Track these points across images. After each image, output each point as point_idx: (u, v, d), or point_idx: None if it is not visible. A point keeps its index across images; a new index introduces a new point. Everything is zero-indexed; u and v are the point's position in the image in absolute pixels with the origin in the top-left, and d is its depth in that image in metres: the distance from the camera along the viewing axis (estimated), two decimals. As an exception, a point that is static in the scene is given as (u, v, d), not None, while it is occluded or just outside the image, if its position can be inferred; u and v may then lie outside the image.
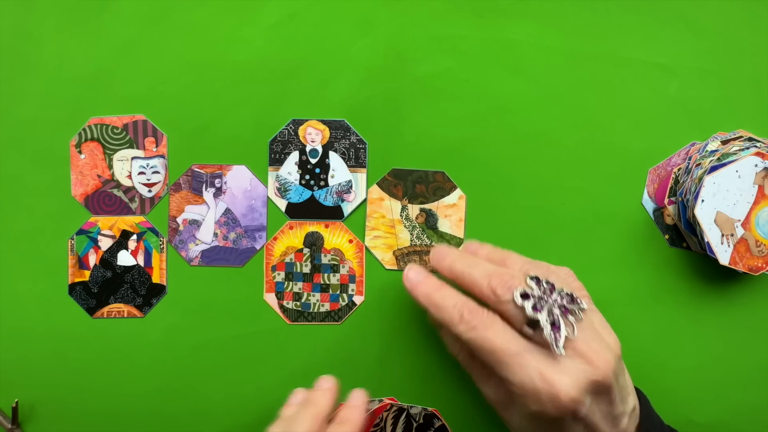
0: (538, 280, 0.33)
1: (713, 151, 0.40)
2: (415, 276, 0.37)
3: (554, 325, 0.32)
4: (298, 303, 0.44)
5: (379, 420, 0.41)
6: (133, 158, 0.43)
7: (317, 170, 0.43)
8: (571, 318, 0.32)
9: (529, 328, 0.32)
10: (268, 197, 0.43)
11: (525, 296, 0.32)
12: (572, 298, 0.33)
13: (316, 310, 0.44)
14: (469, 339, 0.33)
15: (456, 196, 0.43)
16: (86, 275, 0.43)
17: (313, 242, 0.44)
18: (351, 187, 0.43)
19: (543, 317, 0.32)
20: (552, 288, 0.33)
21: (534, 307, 0.32)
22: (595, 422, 0.32)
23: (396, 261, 0.43)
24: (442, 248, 0.38)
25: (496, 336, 0.32)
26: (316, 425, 0.35)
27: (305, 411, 0.36)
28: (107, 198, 0.43)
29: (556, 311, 0.32)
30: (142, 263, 0.43)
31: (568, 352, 0.32)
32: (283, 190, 0.43)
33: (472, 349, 0.34)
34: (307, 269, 0.44)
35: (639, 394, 0.37)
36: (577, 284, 0.38)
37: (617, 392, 0.33)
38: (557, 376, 0.31)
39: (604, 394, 0.32)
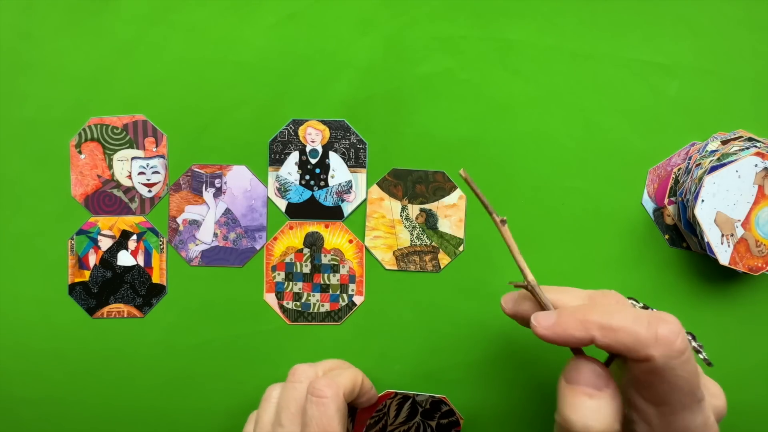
0: (638, 302, 0.33)
1: (713, 151, 0.40)
2: (546, 319, 0.30)
3: (699, 344, 0.32)
4: (298, 303, 0.44)
5: (382, 407, 0.40)
6: (133, 158, 0.43)
7: (317, 170, 0.43)
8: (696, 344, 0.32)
9: None
10: (268, 197, 0.43)
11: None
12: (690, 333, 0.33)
13: (316, 310, 0.44)
14: (669, 368, 0.27)
15: (456, 196, 0.43)
16: (86, 275, 0.43)
17: (313, 242, 0.44)
18: (351, 187, 0.43)
19: (691, 342, 0.31)
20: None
21: (688, 334, 0.31)
22: None
23: (396, 261, 0.43)
24: (546, 315, 0.30)
25: (696, 371, 0.28)
26: (353, 382, 0.36)
27: (349, 368, 0.38)
28: (107, 198, 0.43)
29: (693, 340, 0.32)
30: (142, 263, 0.43)
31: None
32: (283, 190, 0.43)
33: (653, 381, 0.27)
34: (307, 269, 0.44)
35: None
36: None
37: None
38: (712, 418, 0.29)
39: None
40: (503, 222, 0.33)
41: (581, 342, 0.28)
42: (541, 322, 0.29)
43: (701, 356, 0.32)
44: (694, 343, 0.31)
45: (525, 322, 0.32)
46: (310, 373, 0.36)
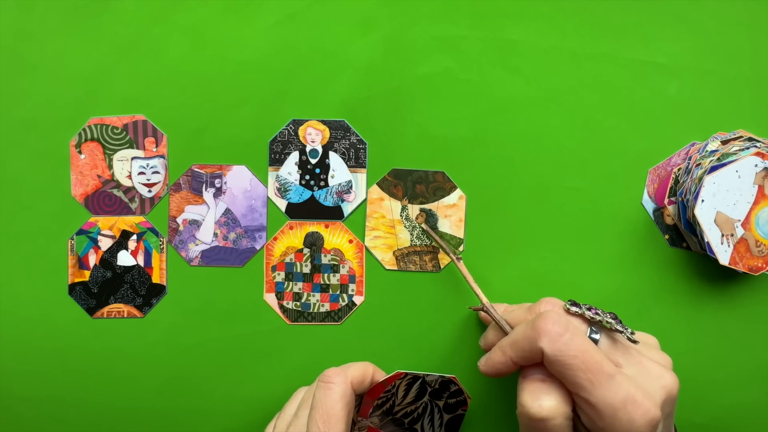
0: (577, 304, 0.33)
1: (713, 151, 0.40)
2: (484, 362, 0.35)
3: (615, 319, 0.32)
4: (298, 303, 0.44)
5: (391, 387, 0.40)
6: (133, 158, 0.43)
7: (317, 170, 0.43)
8: (625, 327, 0.32)
9: (593, 335, 0.32)
10: (268, 197, 0.43)
11: (575, 304, 0.33)
12: (614, 314, 0.33)
13: (316, 310, 0.44)
14: (557, 355, 0.29)
15: (456, 196, 0.43)
16: (86, 275, 0.43)
17: (313, 242, 0.44)
18: (351, 187, 0.43)
19: (601, 316, 0.32)
20: (591, 307, 0.33)
21: (590, 310, 0.32)
22: None
23: (396, 261, 0.43)
24: (483, 362, 0.35)
25: (587, 350, 0.29)
26: (362, 373, 0.37)
27: (356, 362, 0.39)
28: (107, 198, 0.43)
29: (610, 319, 0.32)
30: (142, 263, 0.43)
31: (638, 368, 0.31)
32: (283, 190, 0.43)
33: (559, 372, 0.30)
34: (307, 269, 0.44)
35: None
36: None
37: (674, 411, 0.32)
38: (644, 396, 0.29)
39: (671, 409, 0.32)
40: (459, 259, 0.40)
41: (509, 367, 0.33)
42: (480, 364, 0.35)
43: (621, 334, 0.32)
44: (610, 322, 0.32)
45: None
46: (342, 377, 0.37)
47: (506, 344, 0.33)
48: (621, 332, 0.32)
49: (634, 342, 0.32)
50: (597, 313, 0.32)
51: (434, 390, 0.40)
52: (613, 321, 0.32)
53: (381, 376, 0.39)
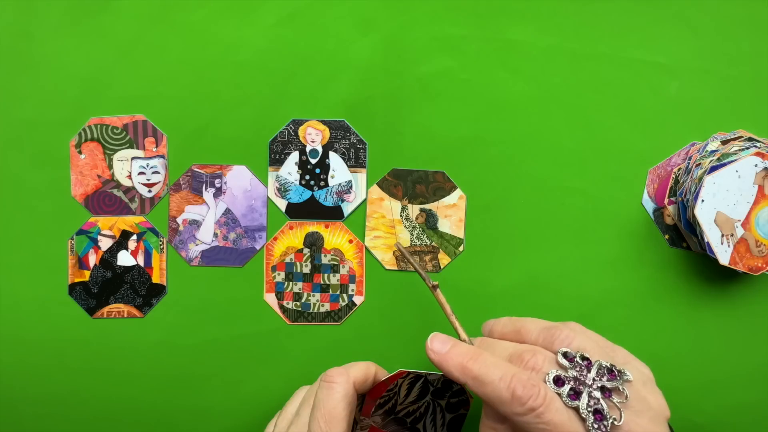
0: (570, 358, 0.29)
1: (713, 151, 0.40)
2: (440, 346, 0.31)
3: (597, 413, 0.28)
4: (298, 303, 0.44)
5: (393, 386, 0.40)
6: (133, 158, 0.43)
7: (317, 170, 0.43)
8: (615, 399, 0.28)
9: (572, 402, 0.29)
10: (268, 197, 0.43)
11: (559, 382, 0.28)
12: (612, 373, 0.29)
13: (316, 310, 0.44)
14: (527, 423, 0.27)
15: (456, 196, 0.43)
16: (86, 275, 0.43)
17: (313, 242, 0.44)
18: (351, 187, 0.43)
19: (583, 404, 0.28)
20: (588, 364, 0.29)
21: (571, 394, 0.28)
22: None
23: (396, 261, 0.43)
24: (442, 341, 0.32)
25: (561, 422, 0.27)
26: (365, 373, 0.36)
27: (359, 362, 0.37)
28: (107, 198, 0.43)
29: (597, 394, 0.28)
30: (142, 263, 0.43)
31: None
32: (283, 190, 0.43)
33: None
34: (307, 269, 0.44)
35: None
36: (595, 339, 0.32)
37: None
38: None
39: None
40: (435, 287, 0.37)
41: (459, 382, 0.30)
42: (434, 346, 0.32)
43: (594, 429, 0.28)
44: (584, 413, 0.28)
45: None
46: (344, 377, 0.36)
47: (471, 371, 0.30)
48: (612, 414, 0.28)
49: (617, 421, 0.28)
50: (577, 396, 0.28)
51: (436, 389, 0.40)
52: (600, 396, 0.28)
53: (383, 375, 0.39)
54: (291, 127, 0.43)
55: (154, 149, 0.43)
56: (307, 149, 0.43)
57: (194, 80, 0.43)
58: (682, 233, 0.43)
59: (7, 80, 0.42)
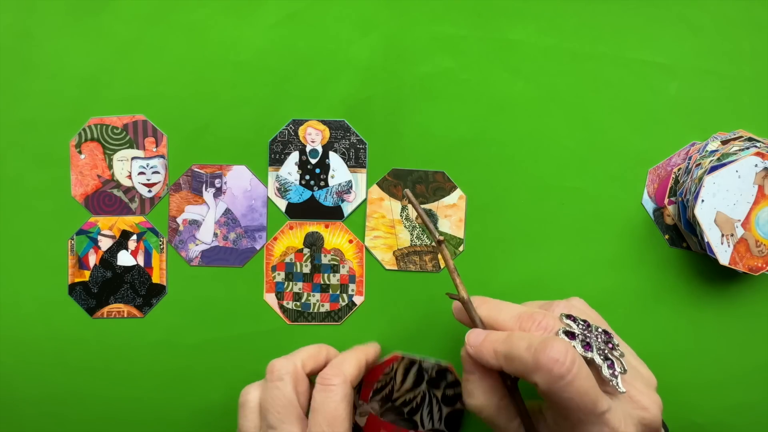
0: (573, 318, 0.31)
1: (713, 151, 0.40)
2: (475, 338, 0.32)
3: (609, 363, 0.29)
4: (298, 303, 0.44)
5: (389, 369, 0.40)
6: (133, 158, 0.43)
7: (317, 170, 0.43)
8: (616, 353, 0.30)
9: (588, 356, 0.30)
10: (268, 197, 0.43)
11: (570, 335, 0.30)
12: (609, 335, 0.31)
13: (316, 311, 0.44)
14: (552, 392, 0.28)
15: (456, 196, 0.43)
16: (86, 275, 0.43)
17: (313, 242, 0.44)
18: (351, 187, 0.43)
19: (596, 356, 0.29)
20: (588, 325, 0.31)
21: (584, 346, 0.29)
22: None
23: (396, 261, 0.43)
24: (477, 333, 0.33)
25: (587, 388, 0.27)
26: (359, 363, 0.37)
27: (352, 351, 0.37)
28: (107, 198, 0.43)
29: (604, 347, 0.30)
30: (142, 263, 0.43)
31: (627, 402, 0.29)
32: (283, 190, 0.43)
33: (550, 401, 0.29)
34: (307, 269, 0.44)
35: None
36: (594, 314, 0.35)
37: None
38: (627, 429, 0.29)
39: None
40: (440, 242, 0.35)
41: (495, 367, 0.31)
42: (471, 341, 0.32)
43: (609, 374, 0.30)
44: (598, 360, 0.30)
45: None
46: (290, 368, 0.35)
47: (501, 352, 0.30)
48: (611, 379, 0.30)
49: (620, 392, 0.30)
50: (590, 347, 0.30)
51: (431, 378, 0.41)
52: (606, 348, 0.30)
53: (374, 357, 0.39)
54: (291, 127, 0.43)
55: (154, 149, 0.43)
56: (307, 149, 0.43)
57: (194, 80, 0.43)
58: (682, 233, 0.43)
59: (7, 80, 0.42)
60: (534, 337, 0.29)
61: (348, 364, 0.36)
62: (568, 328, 0.30)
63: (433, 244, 0.36)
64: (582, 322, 0.31)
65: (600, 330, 0.31)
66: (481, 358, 0.31)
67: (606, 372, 0.29)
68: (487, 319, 0.33)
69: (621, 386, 0.29)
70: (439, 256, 0.36)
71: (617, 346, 0.31)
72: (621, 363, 0.30)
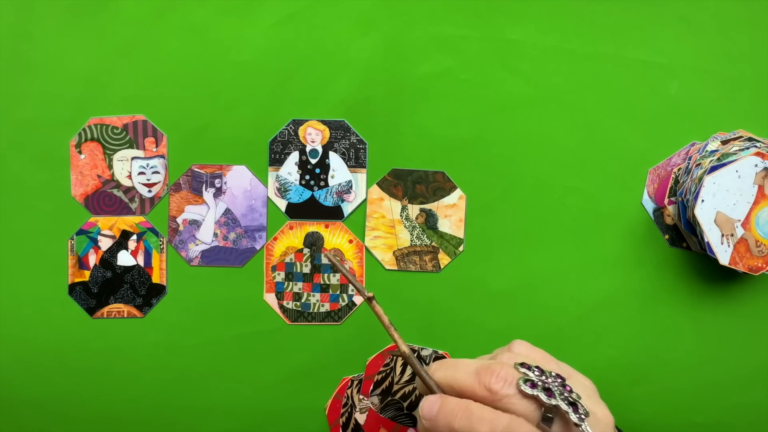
0: (527, 366, 0.30)
1: (713, 151, 0.40)
2: (429, 408, 0.30)
3: (574, 408, 0.28)
4: (298, 303, 0.44)
5: (389, 361, 0.41)
6: (133, 158, 0.43)
7: (317, 170, 0.43)
8: (574, 395, 0.29)
9: (545, 424, 0.29)
10: (268, 197, 0.43)
11: (531, 384, 0.29)
12: (560, 377, 0.30)
13: (316, 310, 0.44)
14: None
15: (456, 196, 0.43)
16: (86, 275, 0.43)
17: (313, 242, 0.44)
18: (351, 187, 0.43)
19: (561, 403, 0.28)
20: (541, 371, 0.30)
21: (546, 394, 0.28)
22: None
23: (396, 261, 0.43)
24: (431, 402, 0.30)
25: None
26: None
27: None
28: (107, 198, 0.43)
29: (563, 391, 0.29)
30: (142, 263, 0.43)
31: None
32: (283, 190, 0.43)
33: None
34: (307, 269, 0.44)
35: None
36: (540, 354, 0.33)
37: None
38: None
39: None
40: (371, 299, 0.34)
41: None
42: (425, 412, 0.30)
43: (577, 419, 0.28)
44: (564, 407, 0.28)
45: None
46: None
47: (459, 430, 0.29)
48: (579, 423, 0.28)
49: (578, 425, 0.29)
50: (552, 394, 0.29)
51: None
52: (567, 407, 0.29)
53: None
54: (291, 127, 0.43)
55: (154, 149, 0.43)
56: (307, 149, 0.43)
57: (194, 80, 0.43)
58: (682, 233, 0.43)
59: (7, 80, 0.42)
60: (495, 413, 0.28)
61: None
62: (527, 377, 0.29)
63: (367, 297, 0.34)
64: (536, 369, 0.30)
65: (554, 375, 0.30)
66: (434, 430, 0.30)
67: (573, 417, 0.28)
68: (444, 380, 0.31)
69: (589, 429, 0.28)
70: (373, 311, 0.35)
71: (573, 388, 0.30)
72: (582, 405, 0.29)
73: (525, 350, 0.33)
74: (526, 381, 0.29)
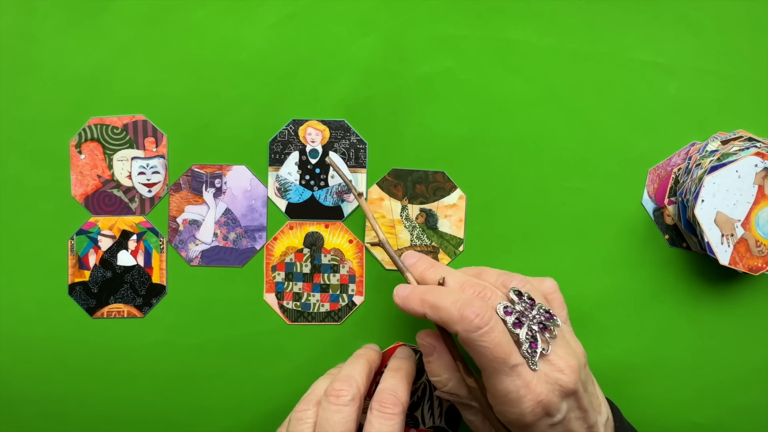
0: (520, 294, 0.34)
1: (713, 151, 0.40)
2: (403, 289, 0.35)
3: (533, 341, 0.33)
4: (298, 303, 0.44)
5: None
6: (133, 158, 0.43)
7: (317, 170, 0.43)
8: (547, 335, 0.33)
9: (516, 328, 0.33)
10: (268, 197, 0.43)
11: (507, 310, 0.33)
12: (550, 315, 0.34)
13: (316, 310, 0.44)
14: (470, 341, 0.31)
15: (456, 196, 0.43)
16: (86, 275, 0.43)
17: (313, 242, 0.44)
18: (351, 187, 0.43)
19: (523, 333, 0.33)
20: (533, 303, 0.34)
21: (516, 323, 0.33)
22: (572, 430, 0.33)
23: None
24: (405, 286, 0.36)
25: (500, 343, 0.31)
26: (368, 371, 0.37)
27: (357, 360, 0.38)
28: (107, 198, 0.43)
29: (535, 327, 0.33)
30: (142, 263, 0.43)
31: (540, 361, 0.33)
32: (283, 190, 0.43)
33: (470, 351, 0.32)
34: (307, 269, 0.44)
35: (611, 405, 0.38)
36: (558, 299, 0.38)
37: (586, 400, 0.34)
38: (538, 384, 0.32)
39: (573, 399, 0.33)
40: (360, 195, 0.41)
41: (420, 315, 0.34)
42: (399, 292, 0.35)
43: (526, 352, 0.32)
44: (522, 338, 0.33)
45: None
46: (355, 392, 0.35)
47: (428, 301, 0.33)
48: (527, 356, 0.33)
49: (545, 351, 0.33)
50: (524, 316, 0.33)
51: None
52: (537, 329, 0.33)
53: (377, 365, 0.40)
54: (291, 127, 0.43)
55: (154, 149, 0.43)
56: (307, 149, 0.43)
57: (194, 80, 0.43)
58: (682, 233, 0.43)
59: (7, 80, 0.42)
60: (462, 294, 0.33)
61: (360, 376, 0.37)
62: (508, 304, 0.33)
63: (357, 193, 0.40)
64: (528, 300, 0.34)
65: (544, 309, 0.34)
66: (407, 307, 0.34)
67: (525, 349, 0.32)
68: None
69: (536, 365, 0.32)
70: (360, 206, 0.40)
71: (555, 327, 0.34)
72: (547, 344, 0.33)
73: (548, 287, 0.38)
74: (505, 308, 0.33)
